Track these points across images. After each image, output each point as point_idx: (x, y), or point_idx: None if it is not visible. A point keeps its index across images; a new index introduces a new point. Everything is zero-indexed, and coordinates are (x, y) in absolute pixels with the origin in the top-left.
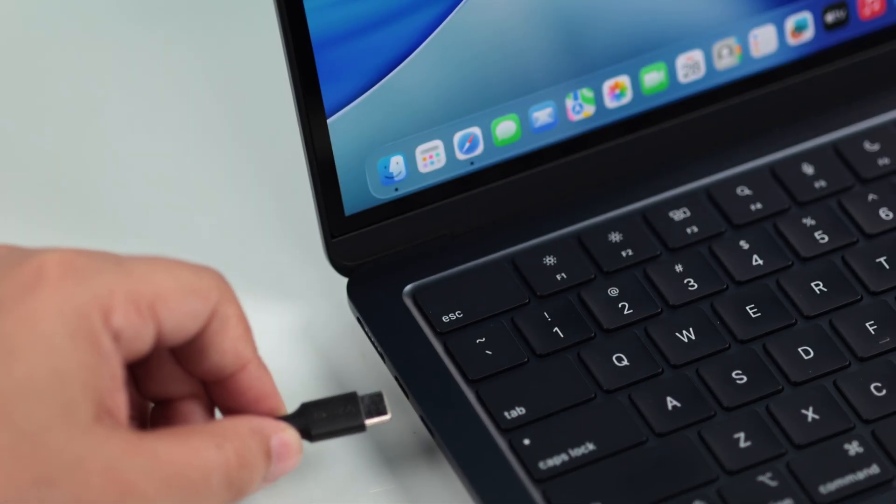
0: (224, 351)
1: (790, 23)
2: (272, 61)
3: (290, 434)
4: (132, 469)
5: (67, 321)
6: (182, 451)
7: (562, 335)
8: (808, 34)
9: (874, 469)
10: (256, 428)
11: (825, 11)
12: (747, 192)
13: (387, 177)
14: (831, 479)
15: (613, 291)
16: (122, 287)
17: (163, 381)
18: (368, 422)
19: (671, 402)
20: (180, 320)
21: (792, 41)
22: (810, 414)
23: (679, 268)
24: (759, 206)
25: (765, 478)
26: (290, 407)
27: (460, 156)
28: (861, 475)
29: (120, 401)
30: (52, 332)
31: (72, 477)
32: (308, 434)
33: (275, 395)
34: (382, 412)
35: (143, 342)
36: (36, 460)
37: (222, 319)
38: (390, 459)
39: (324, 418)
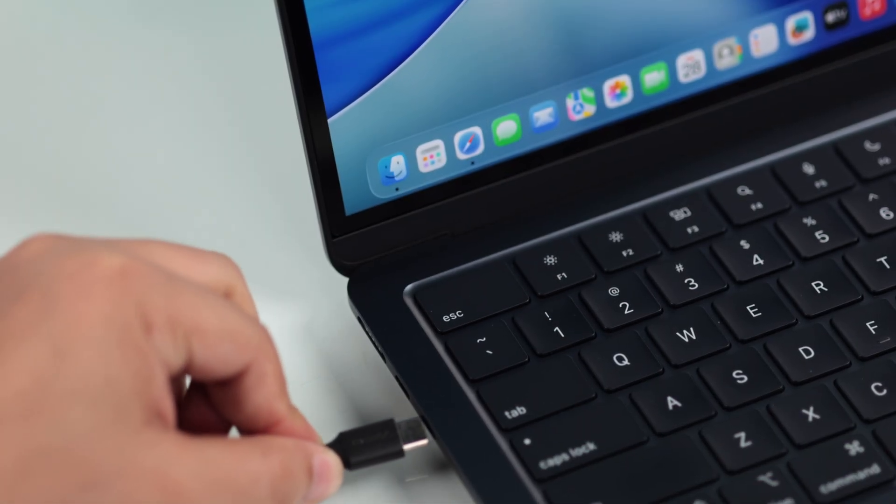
0: (257, 406)
1: (791, 23)
2: (272, 61)
3: (331, 456)
4: (181, 471)
5: (114, 329)
6: (230, 456)
7: (562, 335)
8: (809, 34)
9: (875, 469)
10: (300, 445)
11: (825, 11)
12: (748, 191)
13: (387, 176)
14: (832, 478)
15: (614, 291)
16: (165, 308)
17: (195, 420)
18: (407, 447)
19: (672, 402)
20: (212, 361)
21: (792, 41)
22: (811, 414)
23: (680, 267)
24: (759, 205)
25: (765, 478)
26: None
27: (461, 155)
28: (861, 475)
29: (168, 406)
30: (102, 339)
31: (120, 480)
32: (347, 462)
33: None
34: (420, 437)
35: (170, 366)
36: (86, 464)
37: (258, 375)
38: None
39: (361, 445)
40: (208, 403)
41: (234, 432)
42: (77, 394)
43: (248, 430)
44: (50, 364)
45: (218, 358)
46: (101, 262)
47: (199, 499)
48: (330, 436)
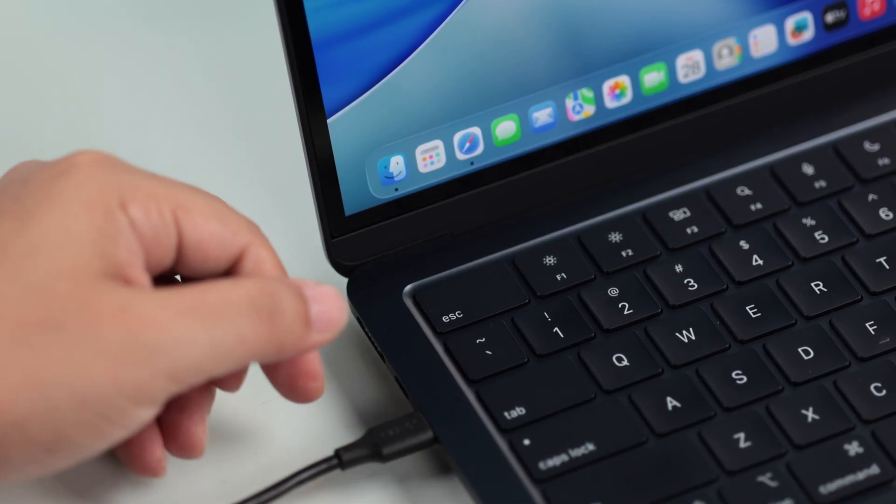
0: None
1: (790, 23)
2: (272, 61)
3: (328, 288)
4: (146, 305)
5: (85, 193)
6: (200, 285)
7: (562, 335)
8: (808, 34)
9: (874, 469)
10: (285, 277)
11: (825, 11)
12: (747, 192)
13: (387, 177)
14: (831, 479)
15: (613, 291)
16: (147, 187)
17: None
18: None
19: (671, 403)
20: (204, 240)
21: (792, 41)
22: (810, 414)
23: (679, 268)
24: (759, 206)
25: (765, 478)
26: (322, 445)
27: (460, 156)
28: (861, 475)
29: (139, 276)
30: (69, 200)
31: (80, 319)
32: (380, 454)
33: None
34: None
35: (163, 249)
36: (43, 306)
37: (256, 261)
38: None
39: (391, 437)
40: None
41: None
42: (35, 248)
43: None
44: (13, 228)
45: (210, 237)
46: (82, 154)
47: (169, 325)
48: (332, 437)
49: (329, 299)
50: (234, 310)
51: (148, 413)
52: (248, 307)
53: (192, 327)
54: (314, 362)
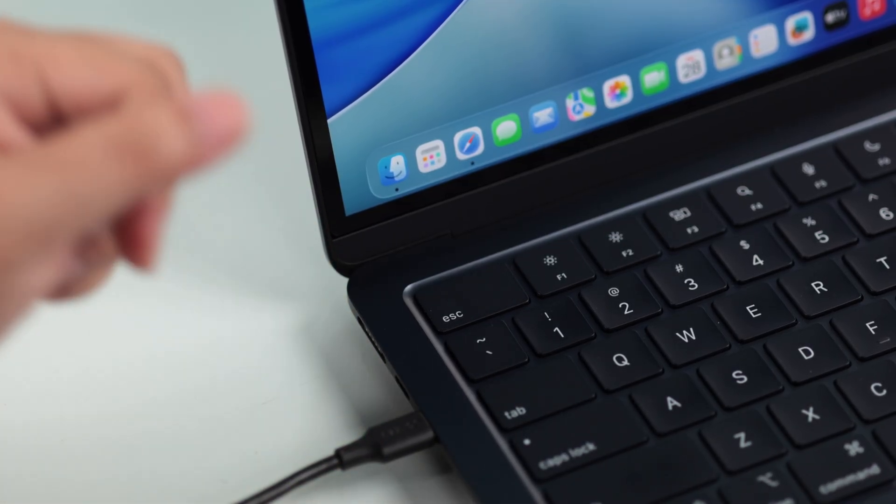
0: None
1: (790, 23)
2: (272, 61)
3: (209, 93)
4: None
5: None
6: (61, 139)
7: (562, 335)
8: (809, 34)
9: (874, 469)
10: (149, 93)
11: (825, 11)
12: (747, 192)
13: (387, 177)
14: (832, 479)
15: (614, 291)
16: (8, 44)
17: None
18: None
19: (671, 403)
20: (77, 90)
21: (792, 41)
22: (810, 414)
23: (679, 268)
24: (759, 206)
25: (765, 478)
26: (322, 445)
27: (461, 156)
28: (861, 475)
29: (8, 134)
30: None
31: None
32: (380, 454)
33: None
34: None
35: (26, 98)
36: None
37: (147, 93)
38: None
39: (392, 436)
40: None
41: None
42: None
43: None
44: None
45: (83, 86)
46: None
47: (19, 183)
48: (332, 437)
49: (217, 107)
50: (93, 157)
51: (26, 280)
52: (110, 151)
53: (45, 182)
54: (151, 227)
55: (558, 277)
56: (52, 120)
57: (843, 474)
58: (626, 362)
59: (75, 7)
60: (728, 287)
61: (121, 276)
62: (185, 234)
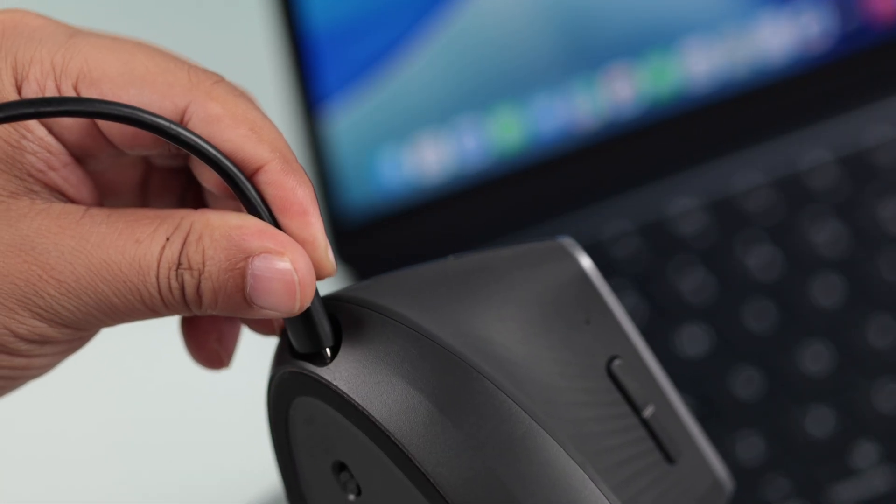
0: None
1: (799, 26)
2: (272, 61)
3: (294, 254)
4: (51, 250)
5: None
6: (119, 231)
7: None
8: (818, 39)
9: (881, 473)
10: (234, 225)
11: (836, 16)
12: (752, 195)
13: (387, 177)
14: (839, 482)
15: (614, 294)
16: (47, 58)
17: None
18: None
19: None
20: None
21: (801, 45)
22: (818, 416)
23: (681, 271)
24: (765, 210)
25: (769, 479)
26: None
27: (461, 156)
28: (869, 480)
29: (67, 178)
30: None
31: None
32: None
33: (307, 209)
34: None
35: (66, 128)
36: None
37: (203, 124)
38: None
39: None
40: (170, 186)
41: None
42: None
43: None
44: None
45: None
46: None
47: (56, 275)
48: None
49: (271, 281)
50: (132, 273)
51: (31, 349)
52: (148, 274)
53: (83, 285)
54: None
55: None
56: (101, 151)
57: (849, 477)
58: None
59: (67, 5)
60: (735, 291)
61: None
62: None
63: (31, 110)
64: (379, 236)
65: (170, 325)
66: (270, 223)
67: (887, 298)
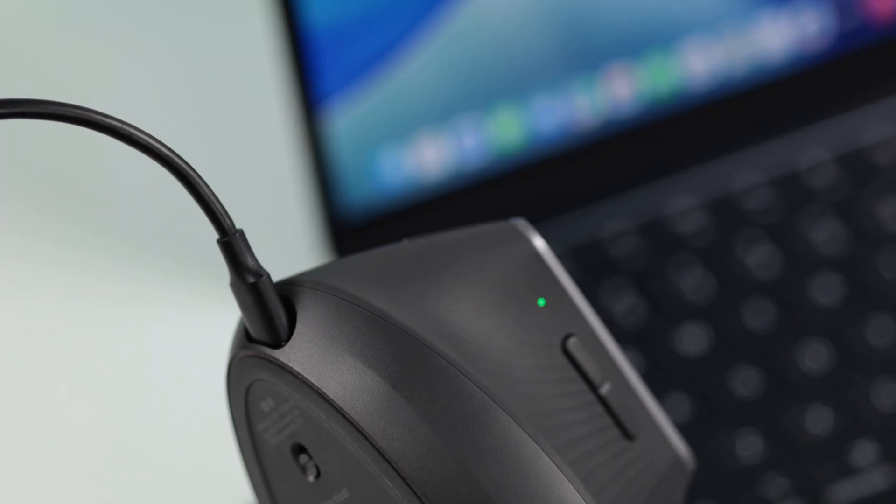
0: None
1: (799, 25)
2: (271, 61)
3: None
4: None
5: None
6: None
7: None
8: (818, 37)
9: (881, 472)
10: None
11: (836, 14)
12: (752, 195)
13: (387, 177)
14: (838, 482)
15: (615, 294)
16: None
17: None
18: None
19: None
20: None
21: (800, 44)
22: (817, 414)
23: (682, 272)
24: (765, 209)
25: (768, 478)
26: None
27: (461, 156)
28: (869, 480)
29: None
30: None
31: None
32: None
33: None
34: None
35: None
36: None
37: None
38: None
39: None
40: None
41: None
42: None
43: None
44: None
45: None
46: None
47: None
48: None
49: None
50: None
51: None
52: None
53: None
54: None
55: None
56: None
57: (848, 477)
58: None
59: (64, 6)
60: (736, 292)
61: (122, 279)
62: (183, 236)
63: None
64: (379, 236)
65: (170, 326)
66: (226, 223)
67: (887, 297)
